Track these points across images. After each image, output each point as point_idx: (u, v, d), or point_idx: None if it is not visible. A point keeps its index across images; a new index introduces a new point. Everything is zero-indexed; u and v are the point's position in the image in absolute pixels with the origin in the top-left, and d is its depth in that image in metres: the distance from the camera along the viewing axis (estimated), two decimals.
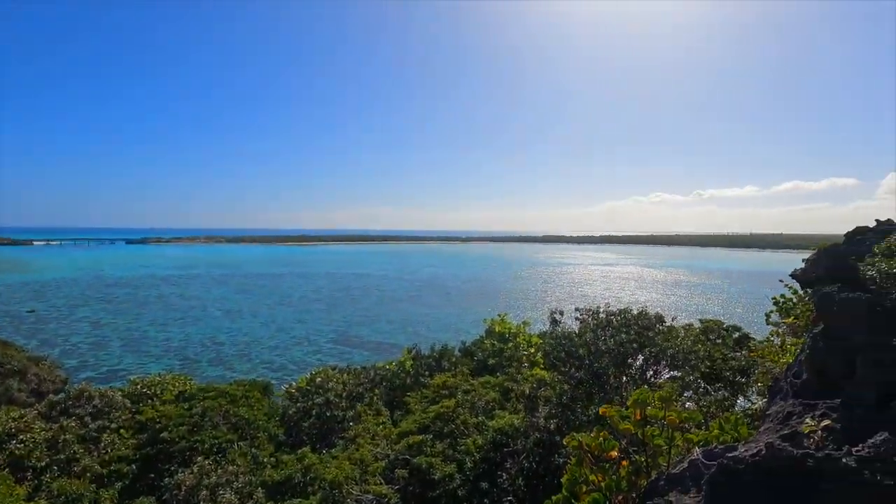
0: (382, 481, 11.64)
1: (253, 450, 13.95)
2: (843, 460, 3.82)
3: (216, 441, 14.66)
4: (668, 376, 15.17)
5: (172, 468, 13.89)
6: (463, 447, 12.14)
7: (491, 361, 19.60)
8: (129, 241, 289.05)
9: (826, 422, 4.68)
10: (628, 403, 6.21)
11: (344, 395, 16.79)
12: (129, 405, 17.60)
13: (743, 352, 18.44)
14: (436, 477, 11.19)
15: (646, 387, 6.14)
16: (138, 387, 19.00)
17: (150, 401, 18.09)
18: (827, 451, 4.01)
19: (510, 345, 20.30)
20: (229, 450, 14.19)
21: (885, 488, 3.70)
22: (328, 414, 15.80)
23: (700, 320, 21.43)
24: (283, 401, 18.63)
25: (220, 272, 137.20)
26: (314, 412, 16.23)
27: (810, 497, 3.91)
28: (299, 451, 13.04)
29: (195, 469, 12.17)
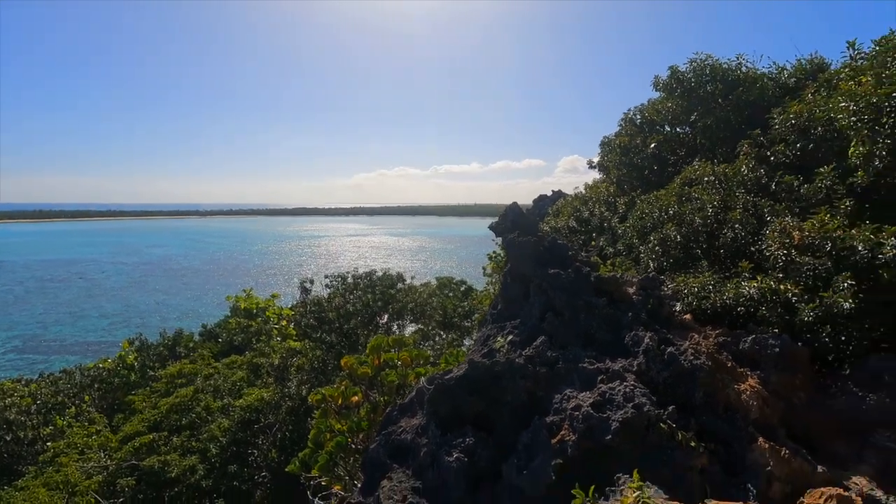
0: (100, 499, 9.67)
1: None
2: (517, 360, 4.98)
3: None
4: (410, 329, 16.92)
5: None
6: (206, 434, 11.06)
7: (238, 340, 18.18)
8: None
9: (510, 337, 5.99)
10: (367, 350, 6.72)
11: (34, 409, 13.04)
12: None
13: (468, 301, 21.85)
14: (172, 475, 9.92)
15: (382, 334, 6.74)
16: None
17: None
18: (508, 357, 5.17)
19: (259, 320, 19.20)
20: None
21: (542, 375, 4.99)
22: (8, 438, 12.04)
23: (436, 278, 24.38)
24: None
25: None
26: None
27: (499, 392, 5.00)
28: None
29: None
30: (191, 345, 18.22)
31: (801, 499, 3.41)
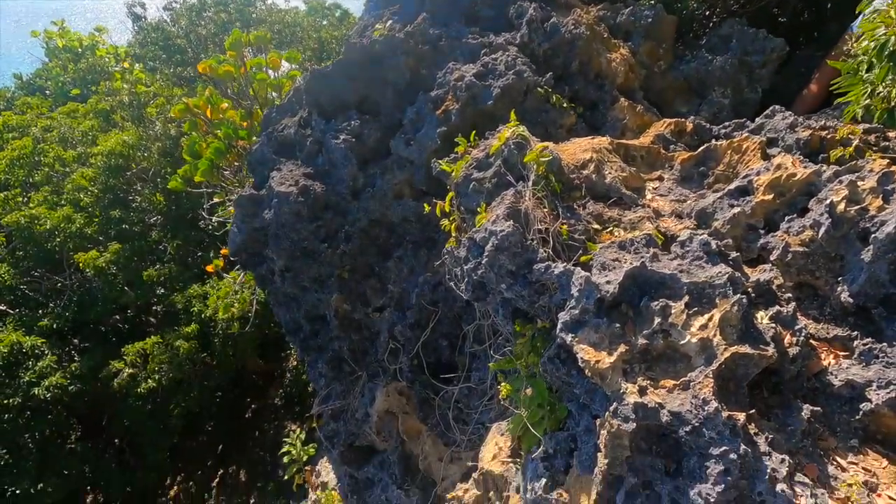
0: None
1: None
2: (396, 35, 4.59)
3: None
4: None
5: None
6: (70, 185, 10.07)
7: (74, 89, 15.07)
8: None
9: (389, 23, 5.39)
10: (226, 48, 5.84)
11: None
12: None
13: (345, 26, 19.38)
14: (46, 227, 9.30)
15: (238, 31, 5.73)
16: None
17: None
18: (386, 35, 4.74)
19: (90, 59, 15.69)
20: None
21: (425, 52, 4.71)
22: None
23: (304, 1, 20.77)
24: None
25: None
26: None
27: (382, 73, 4.75)
28: None
29: None
30: (8, 96, 14.85)
31: (647, 130, 3.95)
